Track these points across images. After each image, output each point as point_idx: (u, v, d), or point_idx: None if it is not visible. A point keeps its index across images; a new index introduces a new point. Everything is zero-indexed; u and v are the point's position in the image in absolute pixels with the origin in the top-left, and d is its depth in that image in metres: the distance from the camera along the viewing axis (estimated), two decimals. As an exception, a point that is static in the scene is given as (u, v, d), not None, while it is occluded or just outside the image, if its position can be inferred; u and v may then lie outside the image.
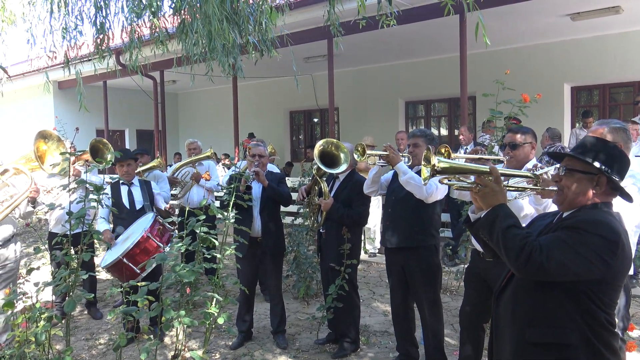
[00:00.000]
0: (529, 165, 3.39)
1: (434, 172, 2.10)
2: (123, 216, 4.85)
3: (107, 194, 4.86)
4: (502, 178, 2.09)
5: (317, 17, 5.05)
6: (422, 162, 2.21)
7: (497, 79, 4.86)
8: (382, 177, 4.18)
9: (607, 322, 1.93)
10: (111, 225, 4.97)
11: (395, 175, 4.01)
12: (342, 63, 10.96)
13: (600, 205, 2.02)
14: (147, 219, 4.59)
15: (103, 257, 4.62)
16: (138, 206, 4.93)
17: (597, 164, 2.00)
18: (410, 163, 4.01)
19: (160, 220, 4.48)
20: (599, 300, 1.90)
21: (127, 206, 4.90)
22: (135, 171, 5.14)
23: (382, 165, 4.03)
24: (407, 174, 3.77)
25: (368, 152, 3.94)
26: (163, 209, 5.01)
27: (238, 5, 4.43)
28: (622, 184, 2.32)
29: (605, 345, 1.93)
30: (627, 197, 2.07)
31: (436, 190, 3.76)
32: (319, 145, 4.39)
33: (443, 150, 3.46)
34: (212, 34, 4.21)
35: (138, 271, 4.09)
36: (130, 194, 4.97)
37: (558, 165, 2.38)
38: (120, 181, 5.01)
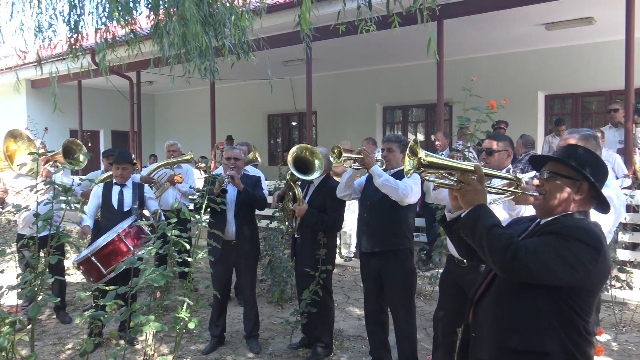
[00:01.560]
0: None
1: (420, 165, 2.03)
2: (110, 216, 4.80)
3: (95, 193, 4.82)
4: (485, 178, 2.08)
5: (295, 21, 5.05)
6: (407, 154, 2.13)
7: (465, 87, 4.91)
8: (356, 181, 4.18)
9: (584, 330, 1.93)
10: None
11: (370, 179, 4.02)
12: (320, 67, 10.98)
13: (579, 214, 2.02)
14: (126, 221, 4.53)
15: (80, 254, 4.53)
16: (126, 208, 4.87)
17: (582, 170, 2.00)
18: (384, 167, 4.03)
19: (140, 224, 4.39)
20: (579, 308, 1.90)
21: (115, 206, 4.84)
22: (130, 175, 5.04)
23: (356, 169, 4.03)
24: (382, 177, 3.78)
25: (344, 155, 3.93)
26: (151, 213, 4.92)
27: (216, 7, 4.40)
28: None
29: (582, 353, 1.94)
30: (604, 208, 2.07)
31: (411, 192, 3.79)
32: (292, 151, 4.36)
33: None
34: (187, 37, 4.16)
35: (105, 272, 4.02)
36: (120, 194, 4.90)
37: (534, 173, 2.38)
38: (114, 181, 4.94)
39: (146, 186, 5.24)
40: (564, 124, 8.70)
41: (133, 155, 5.16)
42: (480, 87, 5.18)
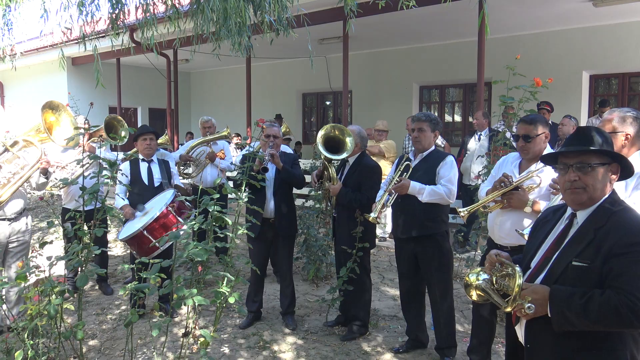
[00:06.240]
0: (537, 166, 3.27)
1: None
2: (141, 192, 4.88)
3: (122, 170, 4.87)
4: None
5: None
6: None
7: (509, 65, 4.75)
8: None
9: None
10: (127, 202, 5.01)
11: (399, 165, 3.99)
12: (356, 45, 10.84)
13: (613, 195, 1.99)
14: (167, 195, 4.61)
15: (120, 230, 4.64)
16: (157, 183, 4.95)
17: (613, 154, 1.97)
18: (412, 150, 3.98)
19: (180, 197, 4.46)
20: None
21: (146, 182, 4.93)
22: (156, 147, 5.13)
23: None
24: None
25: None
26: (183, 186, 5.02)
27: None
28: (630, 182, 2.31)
29: None
30: (628, 174, 2.05)
31: (455, 189, 3.85)
32: (322, 131, 4.35)
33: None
34: (228, 11, 4.15)
35: (157, 244, 4.10)
36: (149, 170, 4.98)
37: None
38: (140, 158, 5.02)
39: (171, 162, 5.30)
40: (609, 105, 8.38)
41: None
42: (522, 67, 5.01)
